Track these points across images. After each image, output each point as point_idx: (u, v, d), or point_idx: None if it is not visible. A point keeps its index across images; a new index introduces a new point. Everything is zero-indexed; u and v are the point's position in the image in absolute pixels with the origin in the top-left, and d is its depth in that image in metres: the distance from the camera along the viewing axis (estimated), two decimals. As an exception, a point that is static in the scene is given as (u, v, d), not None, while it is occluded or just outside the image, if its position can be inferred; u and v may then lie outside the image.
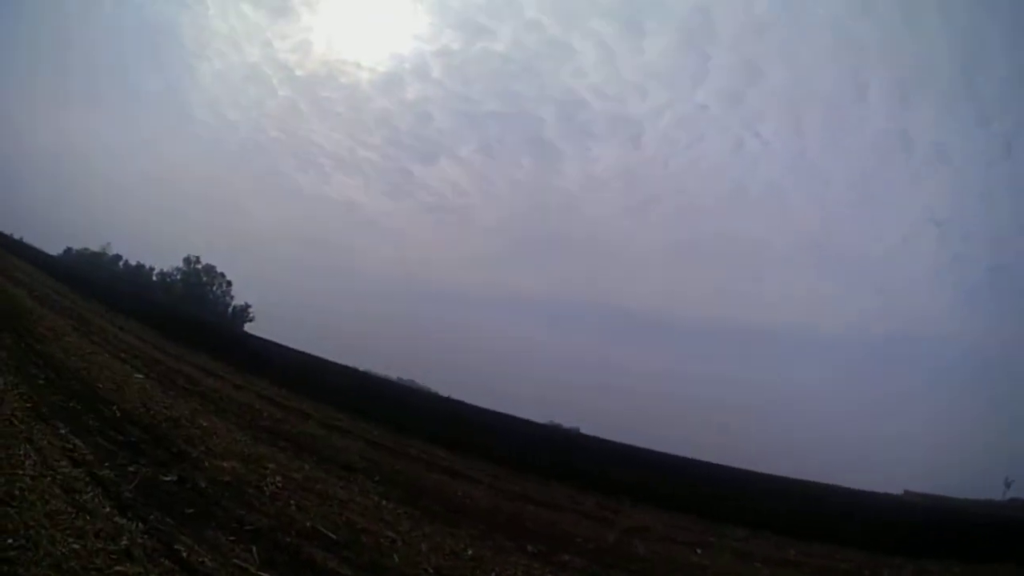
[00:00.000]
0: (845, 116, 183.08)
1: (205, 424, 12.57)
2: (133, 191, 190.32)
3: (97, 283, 58.44)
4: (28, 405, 9.39)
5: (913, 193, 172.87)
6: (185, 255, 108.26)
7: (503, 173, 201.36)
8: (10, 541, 4.92)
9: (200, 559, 6.11)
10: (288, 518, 8.72)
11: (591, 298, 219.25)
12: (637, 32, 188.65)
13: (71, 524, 5.47)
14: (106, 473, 7.28)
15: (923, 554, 17.50)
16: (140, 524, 6.21)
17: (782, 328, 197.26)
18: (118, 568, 5.13)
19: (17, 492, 5.90)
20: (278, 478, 10.40)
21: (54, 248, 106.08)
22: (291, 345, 55.21)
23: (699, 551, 13.45)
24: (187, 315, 61.43)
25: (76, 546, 5.12)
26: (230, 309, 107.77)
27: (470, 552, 10.01)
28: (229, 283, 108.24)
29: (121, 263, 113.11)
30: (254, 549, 7.04)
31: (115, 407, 10.83)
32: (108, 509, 6.22)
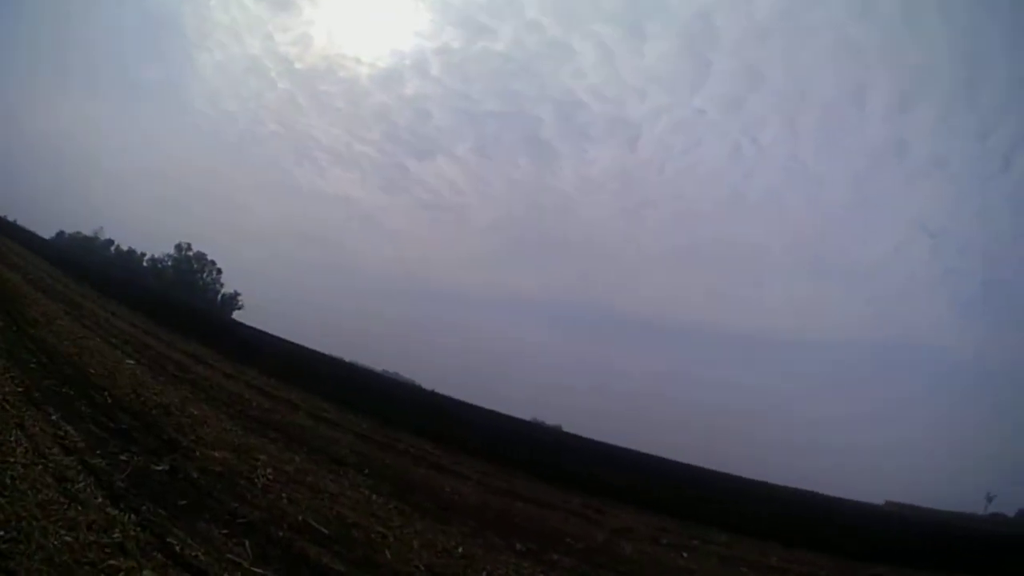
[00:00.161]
0: (843, 122, 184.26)
1: (196, 412, 12.46)
2: (128, 177, 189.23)
3: (89, 267, 58.15)
4: (20, 390, 9.26)
5: (908, 203, 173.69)
6: (177, 242, 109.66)
7: (500, 172, 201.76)
8: (1, 533, 4.81)
9: (193, 553, 6.02)
10: (280, 511, 8.64)
11: (583, 299, 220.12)
12: (638, 35, 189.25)
13: (63, 515, 5.36)
14: (97, 462, 7.16)
15: (904, 564, 17.68)
16: (132, 516, 6.11)
17: (774, 333, 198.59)
18: (111, 562, 5.03)
19: (8, 481, 5.78)
20: (269, 470, 10.31)
21: (47, 231, 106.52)
22: (279, 335, 55.20)
23: (685, 555, 13.48)
24: (178, 302, 61.36)
25: (68, 539, 5.02)
26: (219, 297, 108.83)
27: (461, 550, 9.97)
28: (219, 271, 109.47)
29: (113, 248, 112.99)
30: (247, 543, 6.97)
31: (106, 393, 10.71)
32: (100, 500, 6.12)
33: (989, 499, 72.78)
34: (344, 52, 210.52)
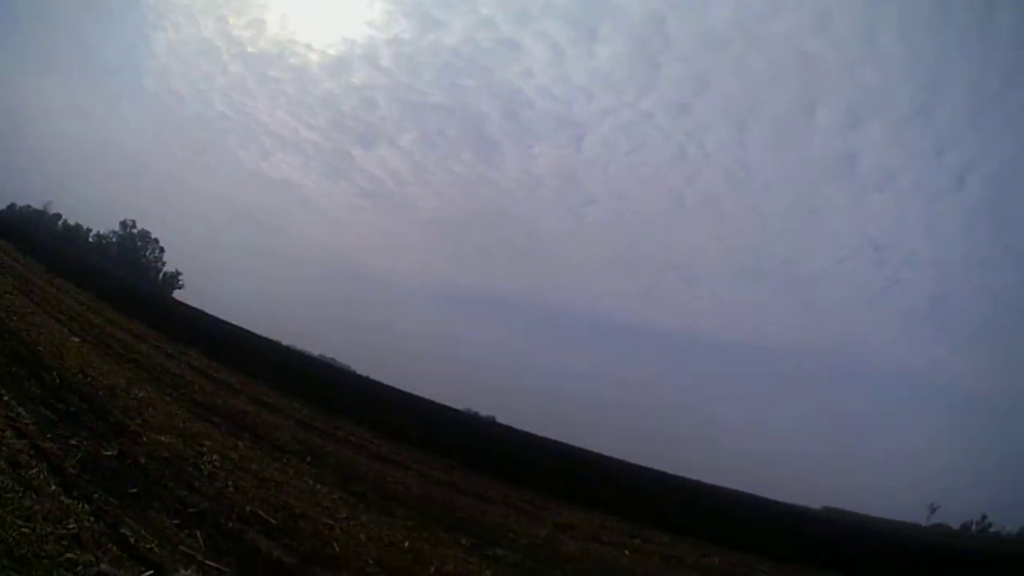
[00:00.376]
0: (792, 134, 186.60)
1: (141, 395, 12.16)
2: (76, 152, 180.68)
3: (38, 241, 55.88)
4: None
5: (854, 216, 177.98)
6: (122, 219, 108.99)
7: (443, 165, 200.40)
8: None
9: (147, 545, 5.87)
10: (228, 500, 8.50)
11: (520, 293, 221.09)
12: (590, 36, 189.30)
13: (19, 504, 5.14)
14: (49, 446, 6.88)
15: (844, 569, 18.57)
16: (86, 505, 5.91)
17: (707, 335, 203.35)
18: (69, 555, 4.87)
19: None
20: (215, 456, 10.11)
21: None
22: (218, 315, 54.03)
23: (627, 553, 13.87)
24: (121, 279, 60.02)
25: (26, 530, 4.82)
26: (161, 275, 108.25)
27: (408, 544, 10.01)
28: (162, 249, 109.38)
29: (60, 223, 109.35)
30: (199, 534, 6.84)
31: (55, 372, 10.28)
32: (54, 487, 5.89)
33: (932, 510, 75.38)
34: (296, 38, 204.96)
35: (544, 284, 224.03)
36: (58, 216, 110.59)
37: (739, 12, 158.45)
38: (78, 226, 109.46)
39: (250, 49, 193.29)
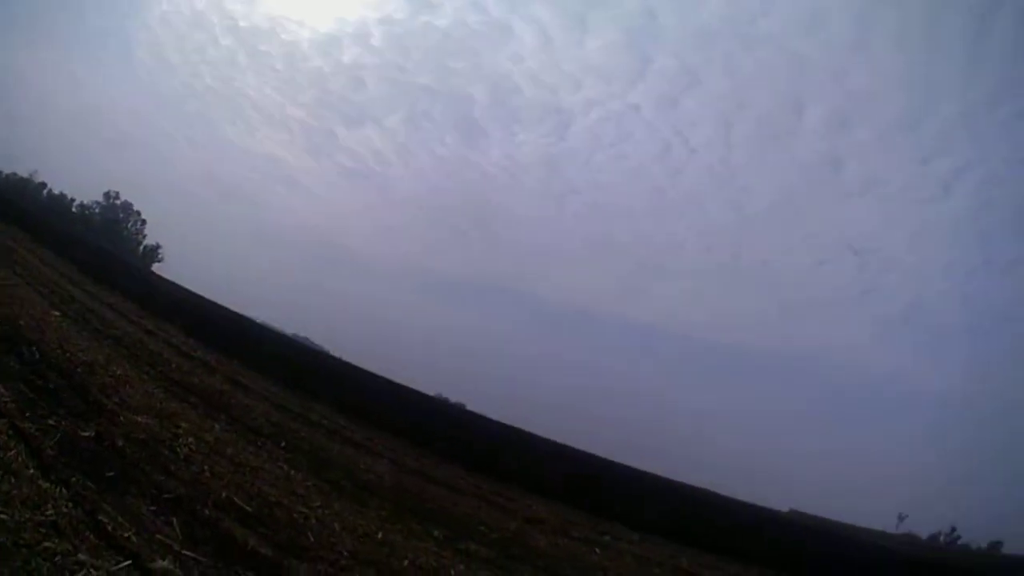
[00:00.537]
0: (778, 133, 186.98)
1: (119, 372, 12.00)
2: (65, 120, 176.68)
3: (23, 210, 55.03)
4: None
5: (836, 219, 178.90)
6: (106, 190, 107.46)
7: (426, 147, 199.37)
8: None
9: (125, 534, 5.80)
10: (204, 486, 8.43)
11: (496, 280, 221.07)
12: (581, 25, 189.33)
13: (-1, 489, 5.08)
14: (28, 426, 6.75)
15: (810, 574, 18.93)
16: (64, 489, 5.81)
17: (683, 330, 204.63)
18: (47, 544, 4.79)
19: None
20: (190, 439, 10.00)
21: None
22: (196, 290, 53.35)
23: (598, 551, 14.01)
24: (103, 251, 59.12)
25: (4, 516, 4.74)
26: (141, 247, 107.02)
27: (381, 535, 10.03)
28: (144, 221, 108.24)
29: (45, 192, 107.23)
30: (175, 522, 6.78)
31: (35, 348, 10.08)
32: (32, 471, 5.79)
33: (901, 518, 76.63)
34: (288, 14, 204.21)
35: (521, 272, 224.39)
36: (43, 185, 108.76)
37: (732, 8, 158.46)
38: (62, 195, 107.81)
39: (242, 23, 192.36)
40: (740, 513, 34.09)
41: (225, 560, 6.63)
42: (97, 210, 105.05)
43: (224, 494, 8.47)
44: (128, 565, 5.33)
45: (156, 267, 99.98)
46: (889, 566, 27.39)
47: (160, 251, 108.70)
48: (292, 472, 11.66)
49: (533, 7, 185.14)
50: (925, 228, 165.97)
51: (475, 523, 13.20)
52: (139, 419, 9.31)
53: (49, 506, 5.36)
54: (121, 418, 8.92)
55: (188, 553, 6.25)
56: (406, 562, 9.24)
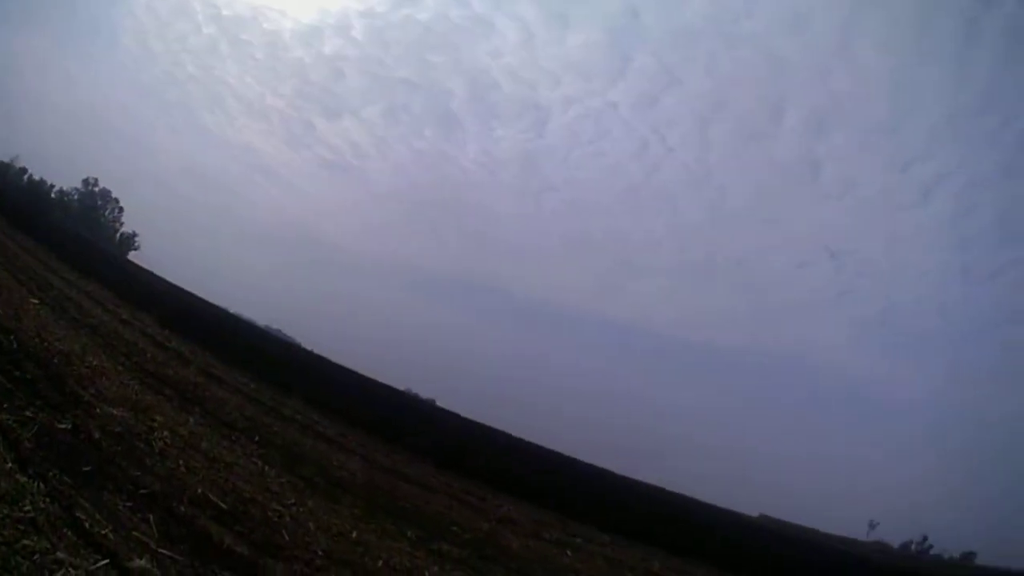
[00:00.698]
0: (756, 134, 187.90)
1: (95, 363, 11.83)
2: (47, 105, 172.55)
3: (2, 195, 53.92)
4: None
5: (813, 221, 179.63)
6: (85, 177, 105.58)
7: (404, 140, 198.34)
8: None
9: (102, 531, 5.76)
10: (179, 481, 8.36)
11: (471, 276, 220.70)
12: (562, 22, 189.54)
13: (-24, 485, 5.02)
14: (5, 417, 6.67)
15: None
16: (41, 484, 5.75)
17: (659, 328, 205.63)
18: (25, 542, 4.75)
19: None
20: (165, 432, 9.92)
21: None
22: (170, 279, 52.82)
23: (569, 553, 14.16)
24: (80, 238, 58.27)
25: (-17, 513, 4.71)
26: (118, 235, 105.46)
27: (355, 534, 10.05)
28: (121, 209, 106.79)
29: (26, 177, 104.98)
30: (151, 519, 6.74)
31: (12, 337, 9.90)
32: (10, 464, 5.72)
33: (872, 526, 77.63)
34: (271, 4, 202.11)
35: (497, 268, 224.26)
36: (24, 171, 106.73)
37: (716, 8, 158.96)
38: (42, 181, 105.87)
39: (225, 12, 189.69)
40: (710, 517, 34.60)
41: (201, 559, 6.61)
42: (76, 197, 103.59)
43: (199, 490, 8.42)
44: (106, 564, 5.31)
45: (132, 255, 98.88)
46: (857, 574, 27.87)
47: (136, 239, 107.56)
48: (266, 468, 11.62)
49: (516, 3, 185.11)
50: (903, 233, 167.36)
51: (447, 523, 13.27)
52: (115, 411, 9.21)
53: (27, 502, 5.31)
54: (97, 410, 8.82)
55: (165, 552, 6.21)
56: (380, 562, 9.27)
